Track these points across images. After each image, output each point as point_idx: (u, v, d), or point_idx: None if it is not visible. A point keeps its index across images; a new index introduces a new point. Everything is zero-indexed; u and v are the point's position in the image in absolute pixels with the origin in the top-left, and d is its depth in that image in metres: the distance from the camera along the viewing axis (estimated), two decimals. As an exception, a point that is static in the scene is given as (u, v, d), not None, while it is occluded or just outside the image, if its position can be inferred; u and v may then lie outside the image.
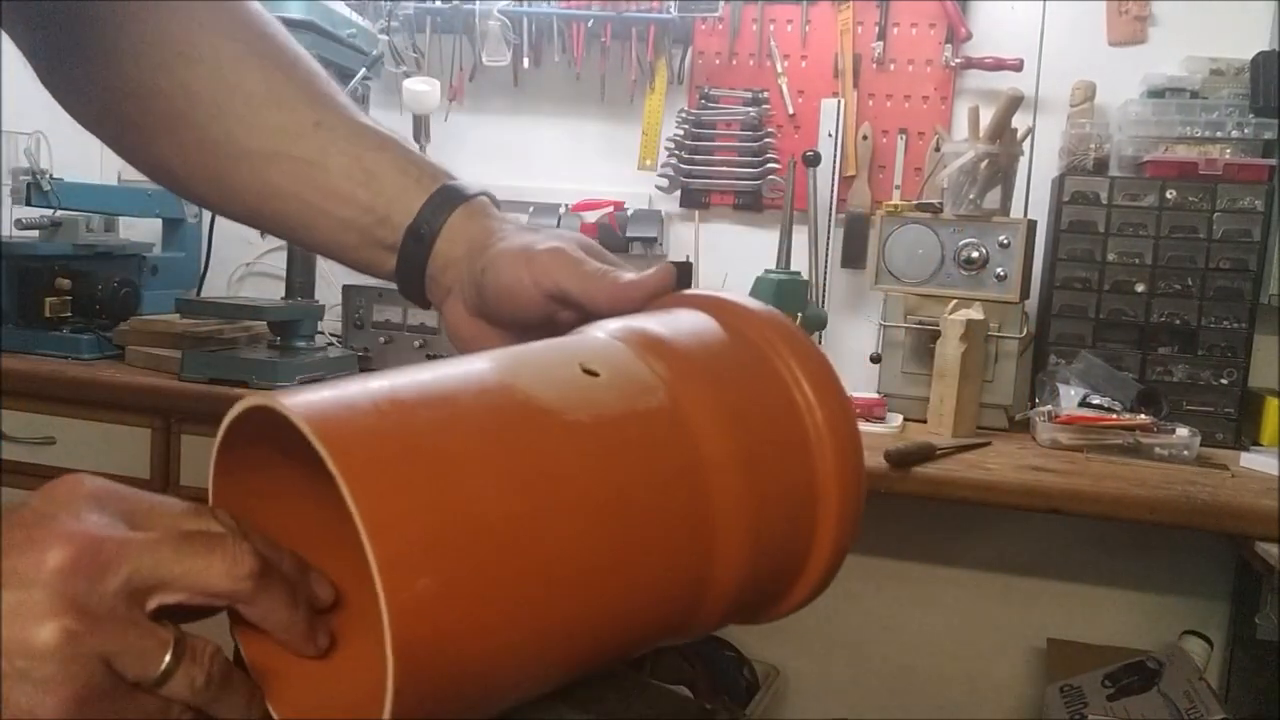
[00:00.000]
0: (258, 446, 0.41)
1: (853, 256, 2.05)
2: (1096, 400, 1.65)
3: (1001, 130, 1.73)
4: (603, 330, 0.48)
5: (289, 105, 0.63)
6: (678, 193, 2.13)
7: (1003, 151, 1.74)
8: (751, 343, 0.48)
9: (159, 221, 2.21)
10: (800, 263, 1.91)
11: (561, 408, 0.40)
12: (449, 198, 0.61)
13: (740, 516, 0.42)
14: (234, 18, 0.66)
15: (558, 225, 2.08)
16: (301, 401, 0.35)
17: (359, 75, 1.84)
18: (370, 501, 0.33)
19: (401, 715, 0.33)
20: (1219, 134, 1.78)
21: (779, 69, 2.08)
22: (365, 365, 1.85)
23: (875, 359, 1.83)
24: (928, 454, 1.47)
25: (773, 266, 1.84)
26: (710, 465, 0.42)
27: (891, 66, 2.04)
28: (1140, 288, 1.77)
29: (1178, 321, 1.76)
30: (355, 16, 1.87)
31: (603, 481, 0.39)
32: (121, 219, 2.18)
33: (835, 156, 1.99)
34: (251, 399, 0.38)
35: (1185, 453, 1.56)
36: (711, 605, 0.43)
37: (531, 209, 2.12)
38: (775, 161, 2.06)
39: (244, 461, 0.42)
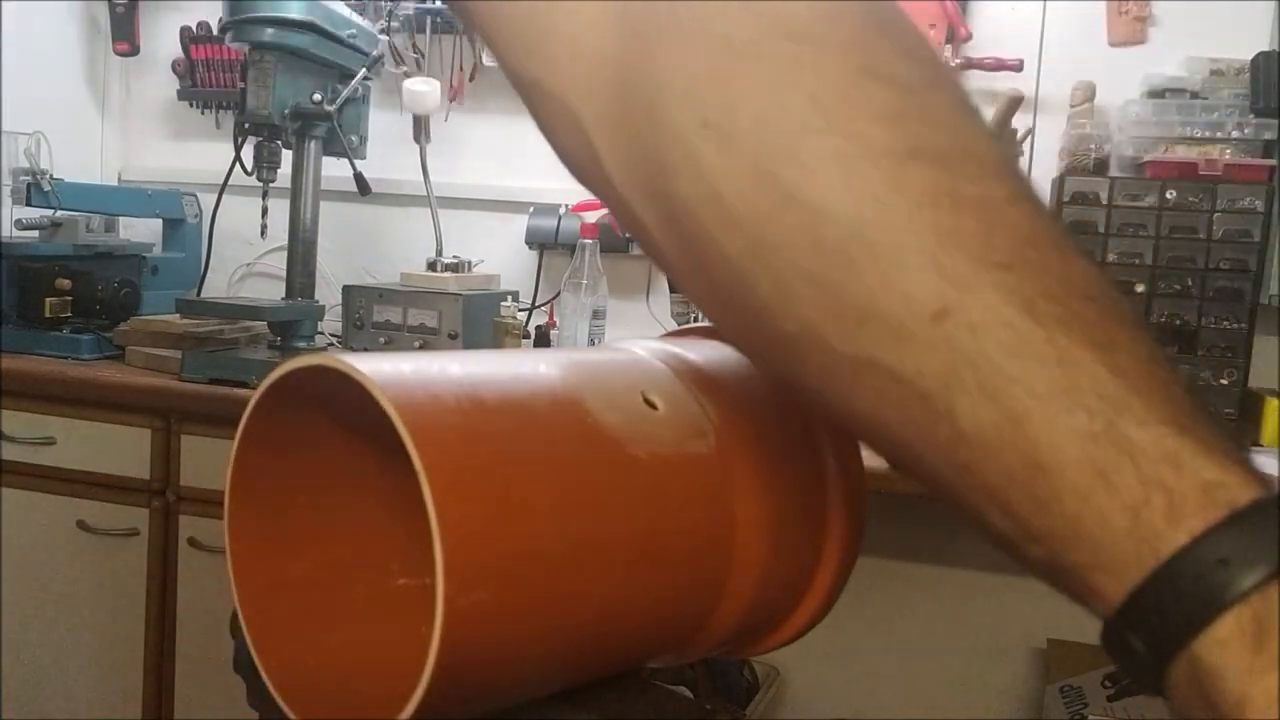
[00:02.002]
0: (294, 398, 0.40)
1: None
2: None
3: (1001, 131, 1.73)
4: (647, 351, 0.47)
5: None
6: (678, 193, 2.12)
7: (1003, 152, 1.74)
8: (789, 397, 0.48)
9: (159, 221, 2.21)
10: (800, 263, 1.91)
11: (624, 438, 0.40)
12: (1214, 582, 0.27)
13: (751, 575, 0.43)
14: None
15: (558, 225, 2.08)
16: (386, 379, 0.35)
17: (359, 75, 1.84)
18: (448, 508, 0.33)
19: (424, 709, 0.34)
20: (1219, 134, 1.78)
21: (779, 69, 2.08)
22: (365, 365, 1.85)
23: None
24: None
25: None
26: (740, 525, 0.42)
27: (891, 67, 2.04)
28: (1140, 288, 1.77)
29: (1178, 322, 1.76)
30: (355, 17, 1.87)
31: (647, 522, 0.40)
32: (121, 219, 2.18)
33: (835, 157, 1.99)
34: (321, 360, 0.36)
35: (1185, 453, 1.55)
36: (705, 641, 0.45)
37: (532, 209, 2.12)
38: (775, 162, 2.06)
39: (276, 413, 0.41)
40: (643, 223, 0.37)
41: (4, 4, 2.07)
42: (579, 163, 0.39)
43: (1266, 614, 0.26)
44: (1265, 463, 1.54)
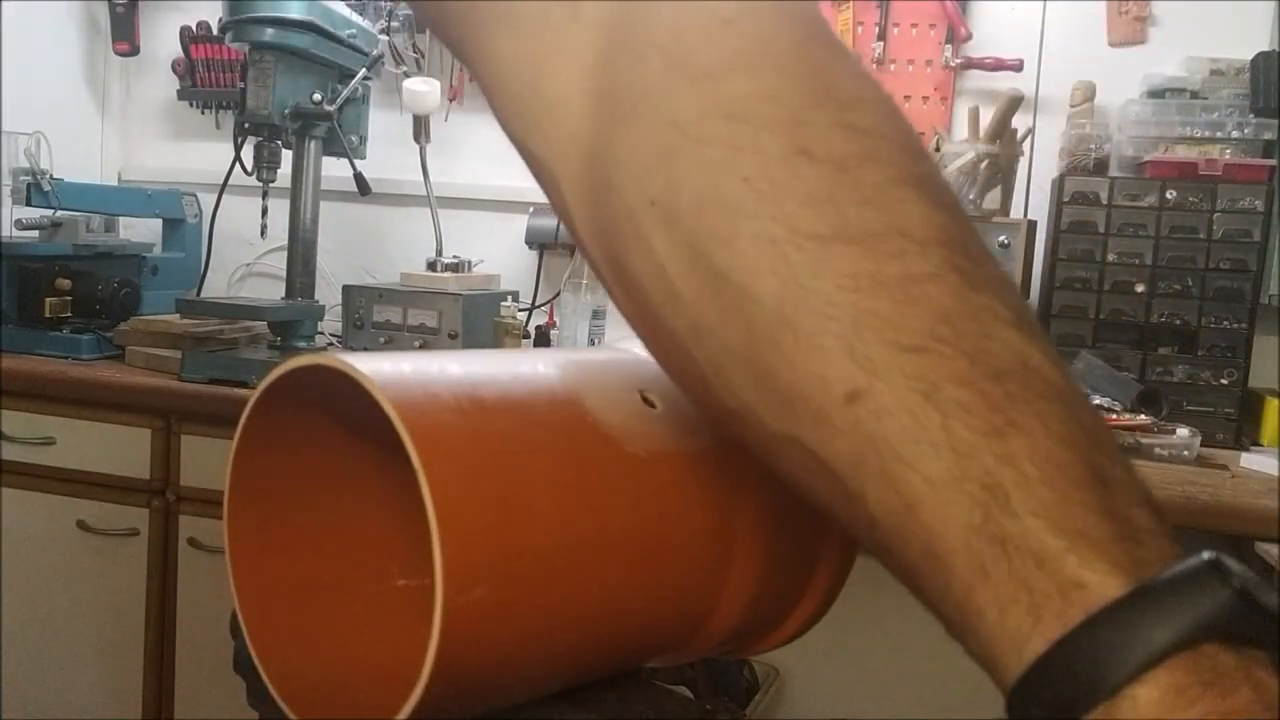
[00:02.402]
0: (294, 398, 0.40)
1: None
2: (1096, 400, 1.65)
3: (1001, 130, 1.73)
4: (646, 350, 0.48)
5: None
6: (678, 193, 2.12)
7: (1003, 152, 1.74)
8: None
9: (159, 221, 2.21)
10: (800, 263, 1.91)
11: (622, 437, 0.40)
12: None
13: (750, 573, 0.43)
14: None
15: (558, 225, 2.08)
16: (385, 378, 0.35)
17: (359, 75, 1.84)
18: (447, 506, 0.33)
19: (421, 709, 0.34)
20: (1219, 134, 1.78)
21: (779, 69, 2.08)
22: (365, 365, 1.85)
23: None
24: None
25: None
26: (739, 519, 0.43)
27: (892, 67, 2.04)
28: (1140, 288, 1.77)
29: (1178, 322, 1.76)
30: (355, 16, 1.87)
31: (646, 520, 0.40)
32: (121, 219, 2.18)
33: (835, 157, 1.99)
34: (321, 359, 0.37)
35: (1185, 453, 1.56)
36: (704, 640, 0.45)
37: (532, 209, 2.12)
38: (775, 162, 2.06)
39: (275, 413, 0.41)
40: (609, 284, 0.38)
41: (4, 4, 2.07)
42: (561, 217, 0.40)
43: None
44: (1266, 463, 1.54)
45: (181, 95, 2.36)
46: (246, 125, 1.78)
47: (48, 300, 1.85)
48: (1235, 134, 1.77)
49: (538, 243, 2.12)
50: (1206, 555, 0.27)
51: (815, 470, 0.32)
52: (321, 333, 1.97)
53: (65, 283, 1.87)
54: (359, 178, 1.85)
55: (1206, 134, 1.79)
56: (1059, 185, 1.83)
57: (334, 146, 1.87)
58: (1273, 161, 1.76)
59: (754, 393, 0.33)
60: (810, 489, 0.33)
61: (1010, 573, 0.28)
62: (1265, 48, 1.80)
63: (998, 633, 0.28)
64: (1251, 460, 1.59)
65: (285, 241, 1.89)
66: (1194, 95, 1.82)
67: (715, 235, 0.32)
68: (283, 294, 1.91)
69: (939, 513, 0.29)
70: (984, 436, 0.29)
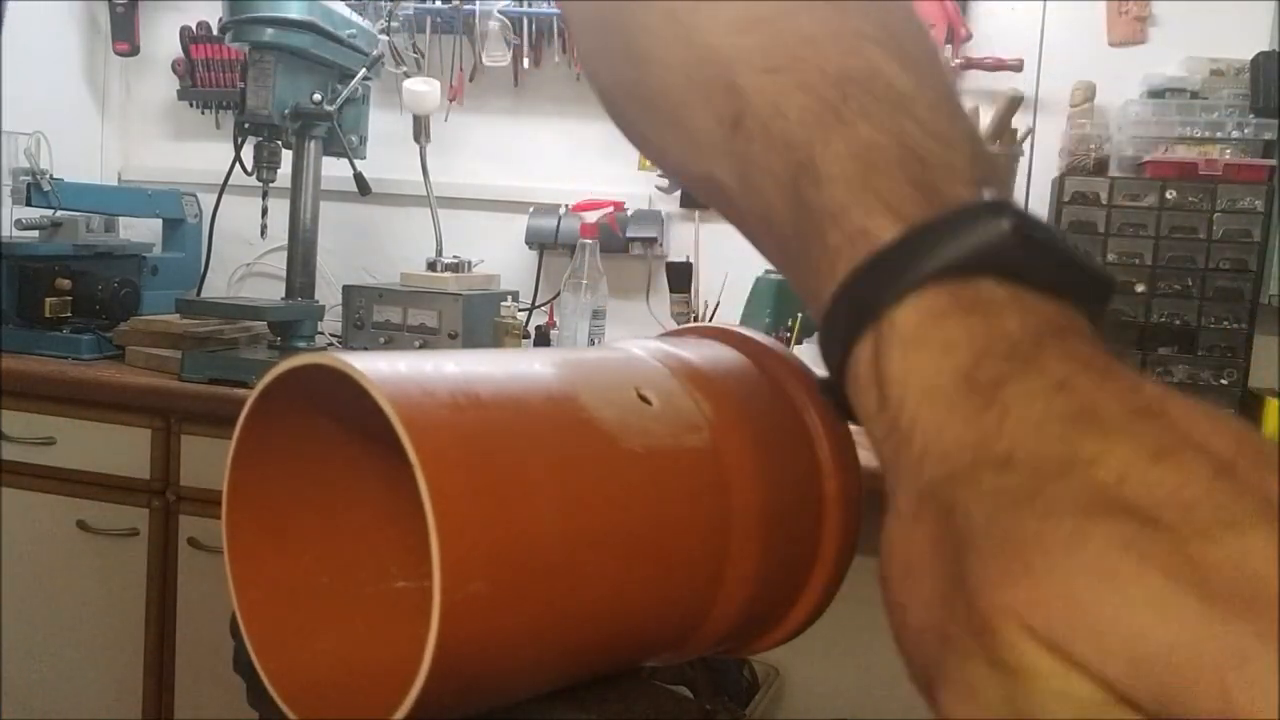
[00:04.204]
0: (293, 398, 0.41)
1: (853, 257, 2.04)
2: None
3: (1001, 131, 1.73)
4: (643, 350, 0.48)
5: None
6: (678, 193, 2.12)
7: (1003, 152, 1.74)
8: (786, 396, 0.48)
9: (159, 221, 2.21)
10: (800, 263, 1.91)
11: (619, 433, 0.40)
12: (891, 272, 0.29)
13: (748, 568, 0.43)
14: None
15: (558, 225, 2.08)
16: (382, 376, 0.35)
17: (359, 75, 1.84)
18: (444, 501, 0.33)
19: (420, 707, 0.34)
20: (1219, 134, 1.78)
21: (779, 69, 2.08)
22: (365, 365, 1.86)
23: (875, 359, 1.83)
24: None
25: (773, 267, 1.84)
26: (736, 515, 0.43)
27: (891, 67, 2.04)
28: (1140, 288, 1.77)
29: (1178, 322, 1.76)
30: (355, 17, 1.87)
31: (643, 515, 0.40)
32: (121, 219, 2.18)
33: (835, 157, 1.99)
34: (318, 359, 0.37)
35: (1185, 453, 1.56)
36: (702, 639, 0.45)
37: (532, 209, 2.12)
38: (775, 162, 2.06)
39: (274, 413, 0.41)
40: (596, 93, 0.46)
41: (4, 4, 2.07)
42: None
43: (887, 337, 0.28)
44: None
45: (181, 95, 2.36)
46: (246, 125, 1.78)
47: (48, 300, 1.85)
48: (1235, 134, 1.77)
49: (538, 243, 2.12)
50: (987, 195, 0.29)
51: (729, 205, 0.38)
52: (321, 333, 1.97)
53: (65, 283, 1.87)
54: (359, 178, 1.85)
55: (1206, 134, 1.79)
56: (1059, 185, 1.84)
57: (334, 146, 1.87)
58: (1273, 161, 1.76)
59: (677, 143, 0.39)
60: (732, 222, 0.40)
61: (815, 233, 0.31)
62: (1265, 48, 1.80)
63: (812, 289, 0.32)
64: (1251, 460, 1.59)
65: (285, 241, 1.89)
66: (1194, 95, 1.82)
67: (636, 26, 0.40)
68: (283, 294, 1.91)
69: (775, 198, 0.34)
70: (811, 129, 0.32)
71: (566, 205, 2.10)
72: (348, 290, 1.92)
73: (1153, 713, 0.21)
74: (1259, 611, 0.21)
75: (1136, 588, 0.22)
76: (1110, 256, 1.78)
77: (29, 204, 1.86)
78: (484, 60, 2.12)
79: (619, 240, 2.05)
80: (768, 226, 0.35)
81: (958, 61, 1.98)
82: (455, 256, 1.98)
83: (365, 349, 1.88)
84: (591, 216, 2.05)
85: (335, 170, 1.90)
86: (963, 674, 0.24)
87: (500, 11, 2.08)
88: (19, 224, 1.95)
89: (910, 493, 0.27)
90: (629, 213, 2.09)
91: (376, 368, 0.35)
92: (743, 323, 1.45)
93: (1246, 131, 1.77)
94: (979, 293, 0.27)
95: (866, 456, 0.47)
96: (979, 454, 0.25)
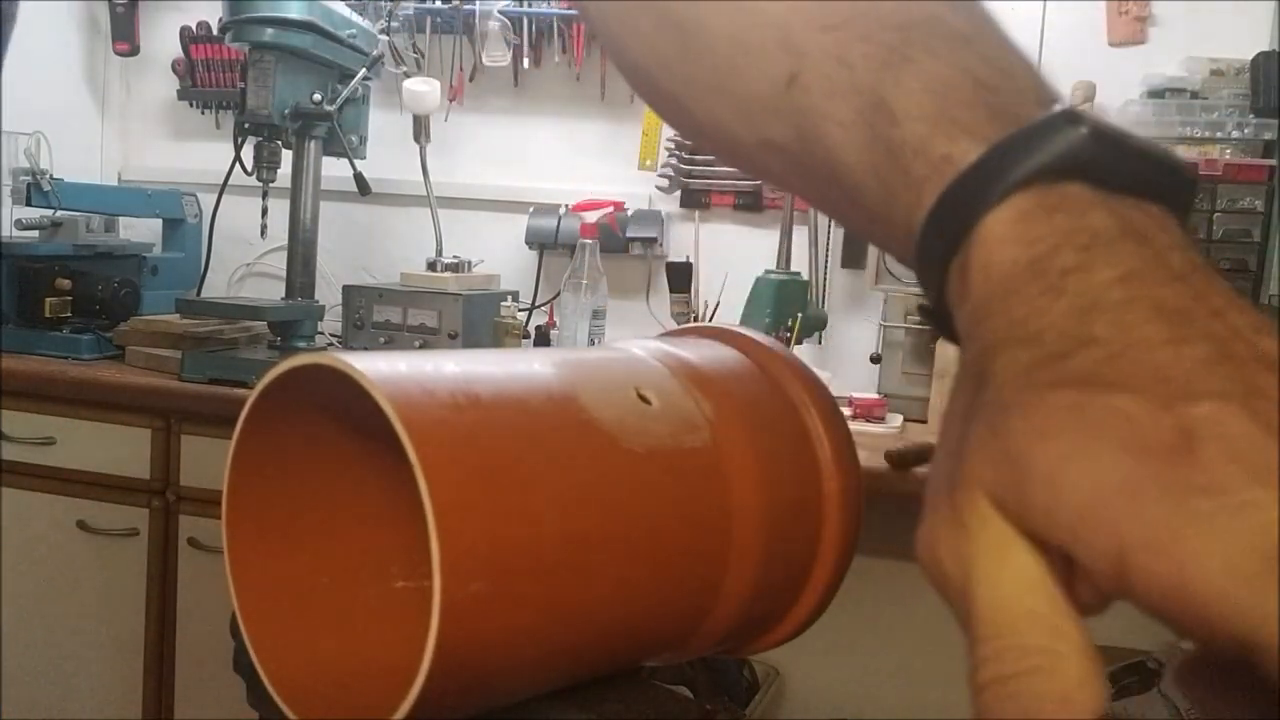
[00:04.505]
0: (292, 398, 0.40)
1: (853, 257, 2.05)
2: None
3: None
4: (643, 350, 0.48)
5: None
6: (678, 193, 2.13)
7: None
8: (786, 396, 0.48)
9: (159, 221, 2.21)
10: (800, 263, 1.91)
11: (618, 433, 0.40)
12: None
13: (748, 568, 0.43)
14: None
15: (558, 225, 2.08)
16: (382, 376, 0.35)
17: (359, 75, 1.84)
18: (444, 501, 0.33)
19: (420, 707, 0.34)
20: (1219, 134, 1.78)
21: (779, 69, 2.08)
22: (365, 365, 1.86)
23: (875, 359, 1.83)
24: (928, 455, 1.47)
25: (773, 267, 1.84)
26: (736, 515, 0.43)
27: (891, 67, 2.04)
28: (1140, 288, 1.77)
29: (1178, 322, 1.76)
30: (355, 17, 1.87)
31: (643, 515, 0.40)
32: (121, 219, 2.18)
33: (835, 157, 1.99)
34: (317, 359, 0.37)
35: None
36: (703, 639, 0.45)
37: (532, 209, 2.12)
38: (775, 162, 2.06)
39: (274, 413, 0.41)
40: (616, 63, 0.46)
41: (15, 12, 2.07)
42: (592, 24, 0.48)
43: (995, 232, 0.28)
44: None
45: (181, 95, 2.36)
46: (246, 125, 1.78)
47: (48, 300, 1.85)
48: (1235, 134, 1.77)
49: (538, 243, 2.12)
50: (1059, 107, 0.29)
51: (788, 164, 0.37)
52: (321, 333, 1.97)
53: (65, 283, 1.87)
54: (359, 178, 1.85)
55: (1206, 134, 1.79)
56: (1059, 185, 1.83)
57: (334, 146, 1.87)
58: (1273, 161, 1.76)
59: (728, 111, 0.39)
60: (790, 186, 0.40)
61: (896, 169, 0.32)
62: (1265, 48, 1.80)
63: (899, 222, 0.32)
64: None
65: (285, 241, 1.89)
66: (1194, 95, 1.82)
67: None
68: (283, 294, 1.91)
69: (845, 144, 0.34)
70: (879, 73, 0.33)
71: (566, 205, 2.10)
72: (348, 290, 1.92)
73: (1090, 565, 0.23)
74: (1174, 463, 0.22)
75: (1066, 443, 0.23)
76: (1110, 256, 1.78)
77: (29, 204, 1.86)
78: (484, 60, 2.12)
79: (619, 240, 2.05)
80: (834, 176, 0.35)
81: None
82: (455, 256, 1.98)
83: (365, 349, 1.88)
84: (591, 216, 2.05)
85: (335, 170, 1.90)
86: (930, 525, 0.26)
87: (500, 11, 2.08)
88: (19, 224, 1.95)
89: (964, 368, 0.28)
90: (629, 213, 2.09)
91: (376, 368, 0.35)
92: (743, 323, 1.45)
93: (1246, 131, 1.77)
94: (1065, 195, 0.28)
95: (866, 456, 0.47)
96: (1015, 330, 0.26)
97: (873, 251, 1.83)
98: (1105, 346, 0.24)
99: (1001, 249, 0.28)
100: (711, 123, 0.40)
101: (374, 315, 1.89)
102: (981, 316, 0.28)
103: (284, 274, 1.90)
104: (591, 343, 1.86)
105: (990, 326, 0.27)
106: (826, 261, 1.98)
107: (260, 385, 0.39)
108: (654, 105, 0.44)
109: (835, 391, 0.53)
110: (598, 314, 1.87)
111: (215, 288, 2.24)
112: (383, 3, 2.12)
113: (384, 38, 1.99)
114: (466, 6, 2.11)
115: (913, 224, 0.31)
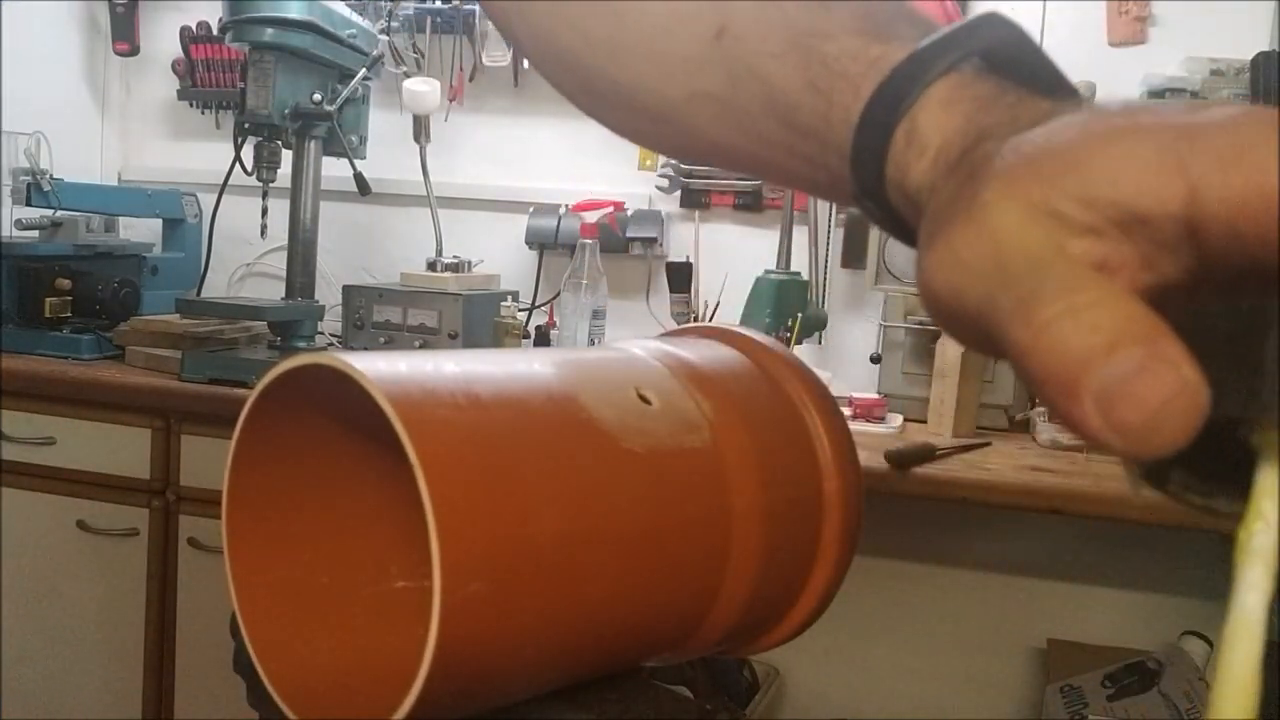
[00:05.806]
0: (293, 398, 0.40)
1: (853, 257, 2.05)
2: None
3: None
4: (643, 350, 0.48)
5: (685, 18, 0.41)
6: (678, 193, 2.13)
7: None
8: (786, 396, 0.48)
9: (159, 221, 2.21)
10: (800, 263, 1.91)
11: (618, 433, 0.40)
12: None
13: (748, 568, 0.43)
14: None
15: (558, 225, 2.08)
16: (382, 376, 0.35)
17: (359, 75, 1.84)
18: (444, 501, 0.33)
19: (420, 707, 0.34)
20: (1219, 134, 1.78)
21: (779, 69, 2.08)
22: (365, 365, 1.86)
23: (875, 359, 1.83)
24: (928, 454, 1.47)
25: (773, 267, 1.84)
26: (736, 514, 0.43)
27: (891, 67, 2.04)
28: (1140, 288, 1.77)
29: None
30: (355, 17, 1.87)
31: (643, 515, 0.40)
32: (121, 219, 2.18)
33: (835, 157, 1.99)
34: (317, 359, 0.37)
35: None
36: (703, 639, 0.45)
37: (532, 209, 2.12)
38: (775, 162, 2.06)
39: (274, 413, 0.41)
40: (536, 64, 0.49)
41: (4, 4, 2.07)
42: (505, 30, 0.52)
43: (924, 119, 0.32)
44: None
45: (181, 95, 2.36)
46: (246, 125, 1.78)
47: (48, 300, 1.85)
48: (1235, 134, 1.77)
49: (538, 243, 2.12)
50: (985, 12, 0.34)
51: (718, 111, 0.40)
52: (321, 333, 1.97)
53: (65, 283, 1.87)
54: (359, 178, 1.85)
55: (1206, 134, 1.78)
56: (1059, 185, 1.83)
57: (334, 146, 1.87)
58: (1273, 161, 1.76)
59: (657, 73, 0.42)
60: (717, 137, 0.41)
61: (834, 74, 0.35)
62: (1265, 48, 1.80)
63: (838, 124, 0.35)
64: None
65: (285, 241, 1.89)
66: (1194, 95, 1.82)
67: None
68: (283, 294, 1.91)
69: (778, 70, 0.37)
70: (811, 7, 0.37)
71: (566, 205, 2.10)
72: (348, 290, 1.92)
73: (1159, 210, 0.25)
74: (1209, 108, 0.26)
75: (1120, 126, 0.26)
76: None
77: (29, 204, 1.86)
78: (484, 60, 2.12)
79: (619, 240, 2.05)
80: (768, 102, 0.38)
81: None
82: (455, 256, 1.98)
83: (365, 349, 1.88)
84: (591, 216, 2.05)
85: (335, 170, 1.90)
86: (944, 240, 0.28)
87: (500, 11, 2.08)
88: (19, 224, 1.95)
89: (946, 183, 0.31)
90: (629, 213, 2.09)
91: (376, 368, 0.35)
92: (743, 323, 1.45)
93: (1246, 131, 1.77)
94: (988, 82, 0.32)
95: (866, 456, 0.47)
96: (988, 131, 0.30)
97: (873, 251, 1.83)
98: (1101, 110, 0.28)
99: (958, 92, 0.32)
100: (640, 88, 0.43)
101: (374, 315, 1.89)
102: (969, 142, 0.31)
103: (284, 274, 1.90)
104: (591, 343, 1.86)
105: (959, 143, 0.31)
106: (826, 261, 1.98)
107: (260, 385, 0.39)
108: (577, 90, 0.47)
109: (835, 391, 0.53)
110: (598, 314, 1.87)
111: (215, 288, 2.24)
112: (383, 3, 2.12)
113: (384, 38, 1.99)
114: (466, 6, 2.11)
115: (851, 116, 0.34)
